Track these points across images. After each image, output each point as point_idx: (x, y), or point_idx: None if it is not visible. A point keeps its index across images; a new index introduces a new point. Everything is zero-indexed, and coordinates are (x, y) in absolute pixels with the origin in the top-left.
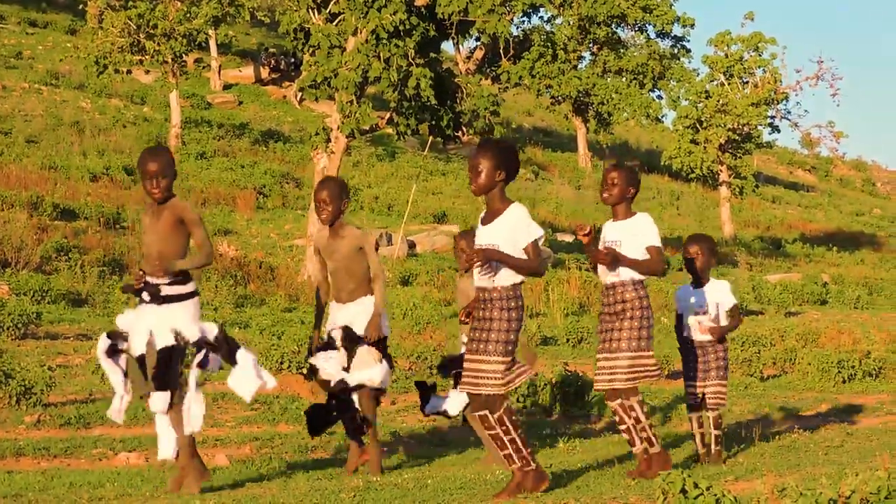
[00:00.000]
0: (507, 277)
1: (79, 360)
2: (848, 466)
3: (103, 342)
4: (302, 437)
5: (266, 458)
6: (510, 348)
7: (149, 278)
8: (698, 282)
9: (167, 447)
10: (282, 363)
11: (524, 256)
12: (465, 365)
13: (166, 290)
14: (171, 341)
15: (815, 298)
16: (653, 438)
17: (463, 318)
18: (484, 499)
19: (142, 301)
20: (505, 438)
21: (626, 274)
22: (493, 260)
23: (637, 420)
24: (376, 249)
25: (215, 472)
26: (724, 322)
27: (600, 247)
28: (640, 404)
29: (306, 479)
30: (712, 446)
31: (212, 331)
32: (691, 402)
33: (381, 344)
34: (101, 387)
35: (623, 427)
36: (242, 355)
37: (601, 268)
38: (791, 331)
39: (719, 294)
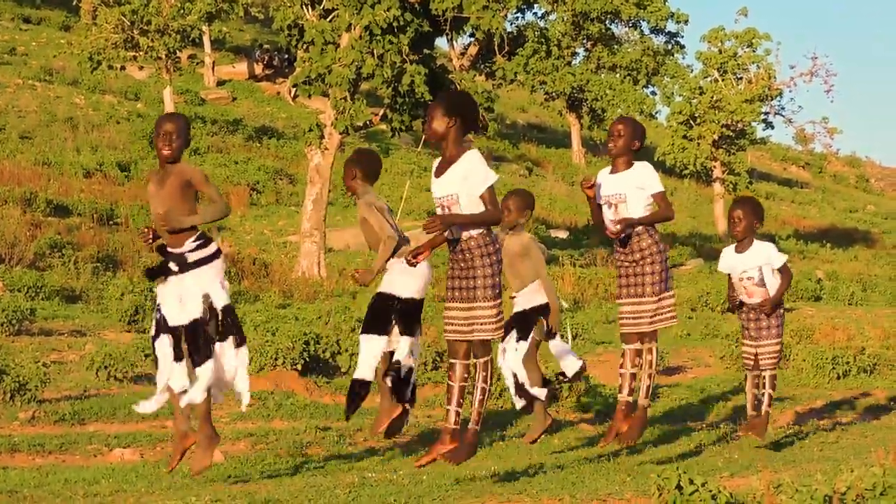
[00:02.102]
0: (476, 229)
1: (73, 357)
2: (843, 463)
3: (154, 327)
4: (297, 433)
5: (261, 455)
6: (498, 291)
7: (171, 249)
8: (742, 244)
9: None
10: (276, 359)
11: (481, 205)
12: (452, 314)
13: (192, 257)
14: (199, 312)
15: (809, 295)
16: (651, 389)
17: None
18: (479, 495)
19: (169, 273)
20: (479, 387)
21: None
22: (452, 224)
23: (650, 364)
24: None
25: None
26: (771, 280)
27: (602, 201)
28: (657, 350)
29: (301, 476)
30: (763, 406)
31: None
32: (746, 362)
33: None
34: (96, 383)
35: (622, 371)
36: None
37: (611, 219)
38: (785, 328)
39: (765, 255)
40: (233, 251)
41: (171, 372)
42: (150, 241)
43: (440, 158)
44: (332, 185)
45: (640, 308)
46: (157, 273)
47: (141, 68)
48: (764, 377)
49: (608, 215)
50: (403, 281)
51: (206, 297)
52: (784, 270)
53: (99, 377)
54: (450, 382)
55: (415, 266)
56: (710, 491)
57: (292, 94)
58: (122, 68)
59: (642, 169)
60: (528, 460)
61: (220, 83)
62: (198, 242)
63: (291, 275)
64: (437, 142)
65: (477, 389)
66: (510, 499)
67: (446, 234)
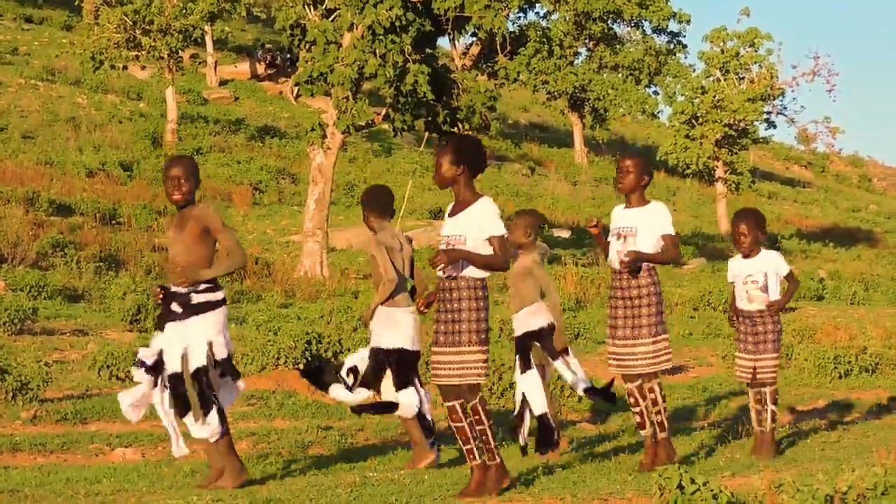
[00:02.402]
0: (474, 269)
1: (75, 356)
2: (844, 462)
3: (138, 374)
4: (298, 432)
5: (263, 454)
6: (484, 336)
7: (175, 288)
8: (748, 255)
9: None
10: (278, 359)
11: (489, 249)
12: (437, 358)
13: (197, 298)
14: (203, 360)
15: (811, 294)
16: (665, 423)
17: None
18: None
19: (172, 314)
20: (476, 429)
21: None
22: (459, 259)
23: (654, 402)
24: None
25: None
26: (775, 287)
27: (612, 234)
28: (659, 386)
29: (303, 475)
30: (767, 423)
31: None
32: (741, 376)
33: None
34: (98, 382)
35: (637, 409)
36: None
37: (613, 254)
38: (787, 326)
39: (771, 263)
40: None
41: (160, 401)
42: (162, 300)
43: (454, 202)
44: (335, 185)
45: (634, 350)
46: (163, 320)
47: (143, 68)
48: (765, 392)
49: (616, 246)
50: (387, 333)
51: (210, 346)
52: (791, 278)
53: (101, 377)
54: (455, 425)
55: (424, 313)
56: (712, 490)
57: (295, 93)
58: (125, 68)
59: (657, 208)
60: (529, 460)
61: (223, 83)
62: (208, 285)
63: (294, 274)
64: (446, 187)
65: (476, 433)
66: (512, 498)
67: (448, 271)
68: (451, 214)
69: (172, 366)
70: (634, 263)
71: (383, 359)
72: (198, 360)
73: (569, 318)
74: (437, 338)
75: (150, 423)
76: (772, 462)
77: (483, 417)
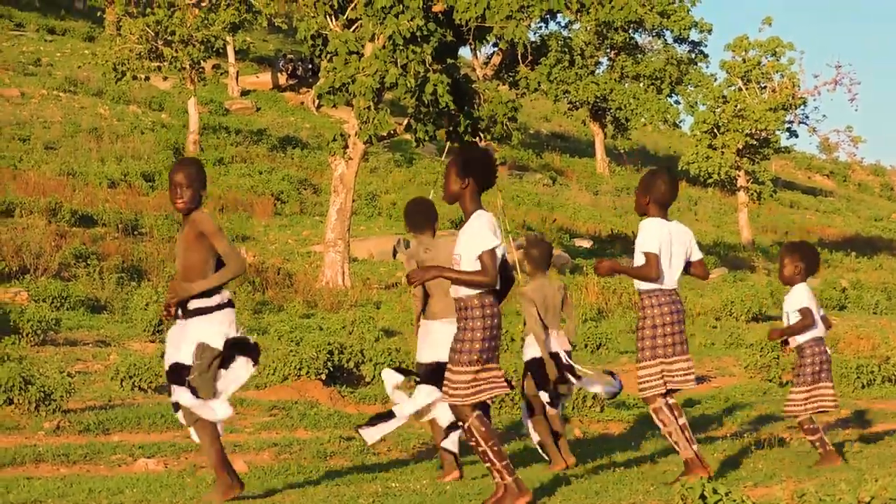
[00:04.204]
0: (466, 289)
1: (98, 367)
2: (867, 472)
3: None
4: (321, 442)
5: (285, 464)
6: (475, 357)
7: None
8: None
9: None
10: (300, 369)
11: (478, 266)
12: (445, 375)
13: (192, 304)
14: (188, 359)
15: (833, 304)
16: (677, 445)
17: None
18: None
19: (177, 317)
20: (478, 451)
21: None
22: (429, 278)
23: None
24: (394, 256)
25: None
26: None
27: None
28: (655, 413)
29: (325, 485)
30: (810, 443)
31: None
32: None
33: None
34: (121, 393)
35: (679, 424)
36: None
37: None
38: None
39: (790, 298)
40: (257, 261)
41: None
42: (172, 314)
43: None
44: (356, 195)
45: (690, 364)
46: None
47: (165, 79)
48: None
49: None
50: (421, 346)
51: (201, 347)
52: (803, 313)
53: (123, 387)
54: (475, 446)
55: (412, 286)
56: (734, 500)
57: (316, 103)
58: (147, 79)
59: (643, 224)
60: (550, 470)
61: (244, 93)
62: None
63: (315, 284)
64: (454, 203)
65: (479, 455)
66: None
67: (452, 291)
68: (459, 228)
69: (168, 360)
70: (609, 273)
71: (425, 372)
72: (184, 359)
73: (591, 329)
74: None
75: (173, 433)
76: (794, 472)
77: (479, 439)
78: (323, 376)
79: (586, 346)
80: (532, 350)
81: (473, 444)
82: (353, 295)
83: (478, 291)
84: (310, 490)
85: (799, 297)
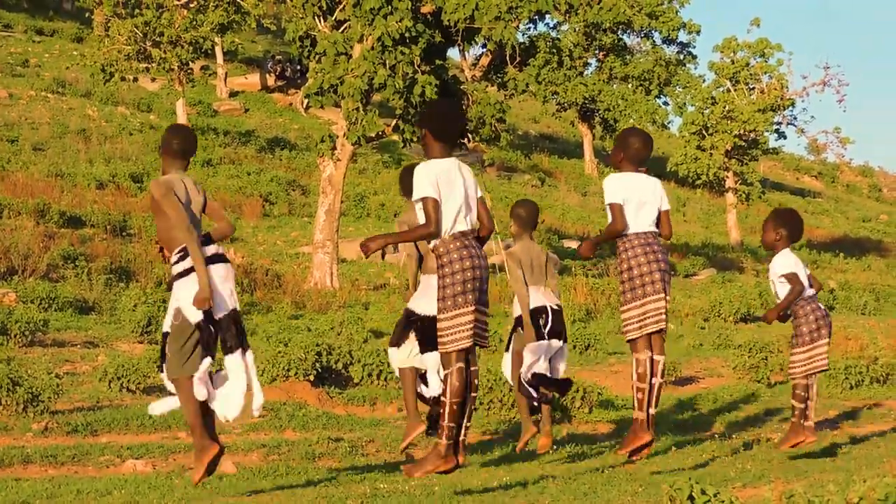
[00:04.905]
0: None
1: (86, 368)
2: (856, 473)
3: None
4: (309, 443)
5: (273, 466)
6: (448, 303)
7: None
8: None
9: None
10: (288, 370)
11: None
12: None
13: (173, 269)
14: (167, 327)
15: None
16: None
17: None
18: None
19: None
20: (441, 399)
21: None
22: (375, 248)
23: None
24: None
25: (222, 479)
26: (779, 291)
27: None
28: (636, 363)
29: (313, 487)
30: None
31: (221, 310)
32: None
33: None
34: (109, 394)
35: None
36: (235, 362)
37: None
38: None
39: (774, 265)
40: (245, 262)
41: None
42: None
43: None
44: (345, 196)
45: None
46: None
47: (153, 80)
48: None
49: None
50: (420, 299)
51: (177, 312)
52: (790, 280)
53: (111, 388)
54: (441, 395)
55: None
56: (723, 501)
57: (304, 104)
58: (135, 80)
59: (604, 182)
60: (539, 471)
61: (233, 94)
62: (178, 255)
63: (304, 286)
64: (428, 157)
65: (440, 405)
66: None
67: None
68: None
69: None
70: (591, 250)
71: (423, 325)
72: (165, 326)
73: (579, 329)
74: None
75: (161, 434)
76: (782, 473)
77: (449, 391)
78: (311, 377)
79: (575, 346)
80: (515, 308)
81: (441, 393)
82: (342, 296)
83: (440, 240)
84: (298, 491)
85: (784, 263)
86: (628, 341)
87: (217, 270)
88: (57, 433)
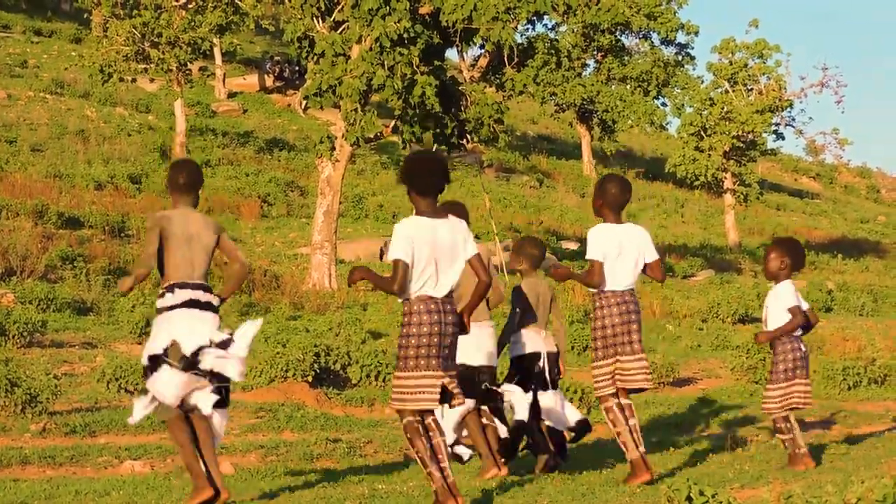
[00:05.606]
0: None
1: (84, 369)
2: (853, 474)
3: None
4: (307, 444)
5: (271, 466)
6: (401, 364)
7: None
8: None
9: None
10: (287, 371)
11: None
12: None
13: (157, 304)
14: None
15: (819, 306)
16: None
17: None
18: None
19: None
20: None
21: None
22: (355, 280)
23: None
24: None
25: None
26: (771, 320)
27: None
28: (606, 412)
29: (312, 488)
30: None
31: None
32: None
33: None
34: (107, 395)
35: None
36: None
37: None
38: None
39: (775, 295)
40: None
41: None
42: None
43: None
44: (343, 197)
45: (644, 364)
46: None
47: (152, 80)
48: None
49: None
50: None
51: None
52: (792, 312)
53: (110, 389)
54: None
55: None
56: (721, 502)
57: (303, 105)
58: (133, 81)
59: (589, 233)
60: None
61: (231, 95)
62: (162, 290)
63: (302, 287)
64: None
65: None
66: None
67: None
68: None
69: None
70: (565, 279)
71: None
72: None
73: (577, 330)
74: None
75: (159, 435)
76: (781, 474)
77: (408, 442)
78: (309, 378)
79: (573, 348)
80: (517, 348)
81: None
82: (340, 297)
83: (407, 301)
84: (297, 492)
85: (787, 296)
86: (597, 397)
87: (192, 313)
88: (55, 434)
